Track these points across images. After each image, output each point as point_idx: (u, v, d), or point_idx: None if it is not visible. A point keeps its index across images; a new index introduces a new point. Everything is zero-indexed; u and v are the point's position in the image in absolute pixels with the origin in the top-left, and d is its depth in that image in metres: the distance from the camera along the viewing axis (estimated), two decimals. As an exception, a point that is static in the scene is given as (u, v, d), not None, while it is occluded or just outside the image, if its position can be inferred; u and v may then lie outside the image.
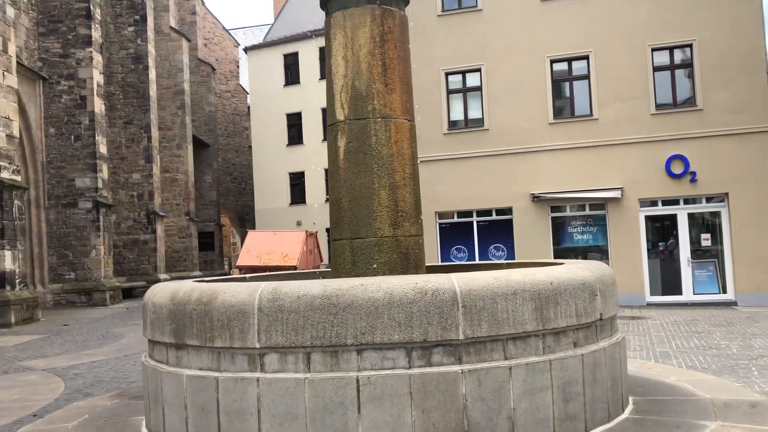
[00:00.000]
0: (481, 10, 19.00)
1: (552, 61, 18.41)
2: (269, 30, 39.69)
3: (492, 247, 18.96)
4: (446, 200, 19.04)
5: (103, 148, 20.95)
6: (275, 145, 34.53)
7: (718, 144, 17.06)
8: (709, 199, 17.45)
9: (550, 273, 4.61)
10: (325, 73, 31.56)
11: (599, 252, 18.19)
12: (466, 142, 19.00)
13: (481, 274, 4.42)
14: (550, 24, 18.37)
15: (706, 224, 17.66)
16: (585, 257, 18.30)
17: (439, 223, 19.35)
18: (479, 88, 19.01)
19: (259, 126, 35.27)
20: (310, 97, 33.31)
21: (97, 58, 20.72)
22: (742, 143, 16.92)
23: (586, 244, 18.37)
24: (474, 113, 19.22)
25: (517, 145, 18.45)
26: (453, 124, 19.30)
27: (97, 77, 20.64)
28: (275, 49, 35.06)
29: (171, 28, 31.48)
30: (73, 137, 20.19)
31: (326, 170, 32.81)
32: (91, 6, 20.42)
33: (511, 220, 18.67)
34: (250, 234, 21.17)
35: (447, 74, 19.24)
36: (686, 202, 17.58)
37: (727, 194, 17.11)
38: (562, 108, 18.60)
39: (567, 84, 18.58)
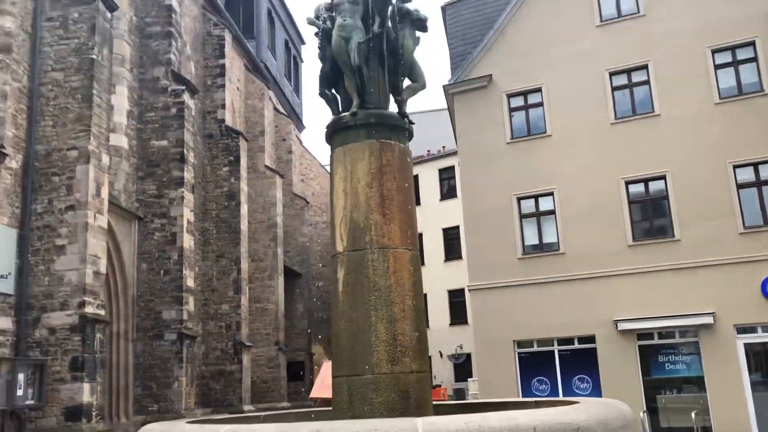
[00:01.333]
0: (550, 135, 19.03)
1: (627, 183, 17.91)
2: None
3: (576, 378, 17.79)
4: (524, 328, 18.26)
5: (190, 282, 21.89)
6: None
7: (820, 263, 15.65)
8: (817, 324, 15.78)
9: (536, 416, 4.17)
10: (442, 194, 32.06)
11: (695, 384, 16.64)
12: (542, 267, 18.43)
13: (452, 419, 4.06)
14: (622, 145, 18.06)
15: (816, 352, 15.89)
16: (680, 390, 16.83)
17: (518, 353, 18.47)
18: (553, 212, 18.66)
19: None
20: (430, 218, 33.85)
21: (188, 197, 22.16)
22: None
23: (678, 375, 16.89)
24: (549, 237, 18.77)
25: (596, 269, 17.67)
26: (527, 249, 18.86)
27: (188, 215, 21.97)
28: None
29: (266, 166, 33.44)
30: (162, 272, 21.26)
31: (450, 292, 32.62)
32: (185, 150, 22.13)
33: (594, 349, 17.55)
34: (325, 365, 20.96)
35: (519, 199, 19.08)
36: (791, 327, 15.98)
37: (837, 318, 15.44)
38: (642, 230, 17.84)
39: (645, 205, 17.92)
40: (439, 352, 32.71)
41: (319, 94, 6.42)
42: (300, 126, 46.54)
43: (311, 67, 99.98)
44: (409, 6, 6.37)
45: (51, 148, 16.48)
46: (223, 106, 28.50)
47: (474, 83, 20.01)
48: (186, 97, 22.62)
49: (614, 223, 17.77)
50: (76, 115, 16.57)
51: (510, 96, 19.76)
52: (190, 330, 21.57)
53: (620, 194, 17.88)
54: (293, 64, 46.36)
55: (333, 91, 6.42)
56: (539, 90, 19.39)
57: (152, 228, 21.67)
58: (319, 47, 6.38)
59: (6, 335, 15.19)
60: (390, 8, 6.22)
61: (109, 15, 18.04)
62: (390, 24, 6.26)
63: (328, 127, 6.24)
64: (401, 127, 6.11)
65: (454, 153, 30.41)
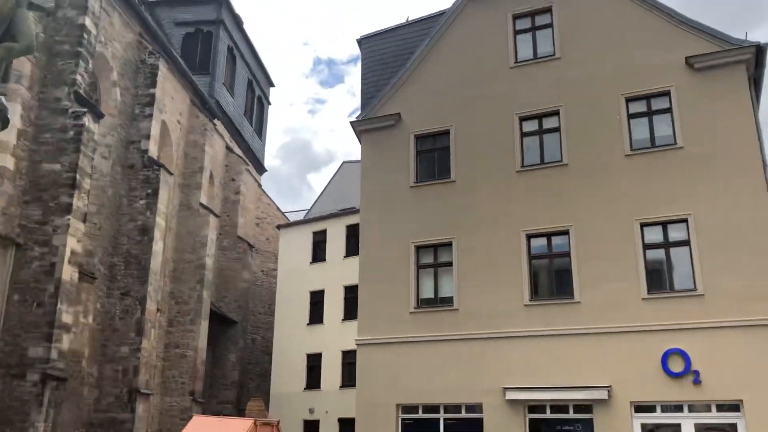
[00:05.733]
0: (454, 181, 17.52)
1: (529, 236, 16.30)
2: (309, 209, 39.97)
3: (460, 452, 15.78)
4: (411, 391, 16.34)
5: (66, 317, 20.04)
6: (296, 325, 32.99)
7: (726, 337, 13.86)
8: (720, 407, 13.86)
9: None
10: (350, 251, 29.94)
11: (586, 467, 14.62)
12: (435, 323, 16.66)
13: None
14: (527, 195, 16.53)
15: (720, 439, 13.92)
16: (571, 473, 14.77)
17: (402, 419, 16.49)
18: (450, 264, 16.98)
19: (283, 304, 34.12)
20: (333, 274, 32.12)
21: (76, 226, 20.53)
22: (756, 337, 13.64)
23: (569, 456, 14.88)
24: (445, 291, 17.03)
25: (488, 330, 15.90)
26: (422, 303, 17.10)
27: (73, 245, 20.30)
28: (305, 227, 34.79)
29: (200, 204, 31.92)
30: (35, 304, 19.48)
31: (344, 352, 30.61)
32: (79, 176, 20.66)
33: (481, 420, 15.59)
34: (195, 419, 18.87)
35: (417, 248, 17.43)
36: (692, 409, 14.07)
37: (741, 401, 13.53)
38: (541, 289, 16.12)
39: (546, 262, 16.25)
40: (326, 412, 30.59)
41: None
42: (260, 168, 45.30)
43: (280, 110, 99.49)
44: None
45: None
46: (149, 137, 27.16)
47: (382, 121, 18.65)
48: (88, 120, 21.26)
49: (513, 280, 16.07)
50: None
51: (418, 137, 18.35)
52: (58, 371, 19.60)
53: (521, 248, 16.23)
54: (257, 105, 45.42)
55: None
56: (447, 132, 17.99)
57: (30, 256, 19.94)
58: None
59: None
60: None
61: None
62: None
63: None
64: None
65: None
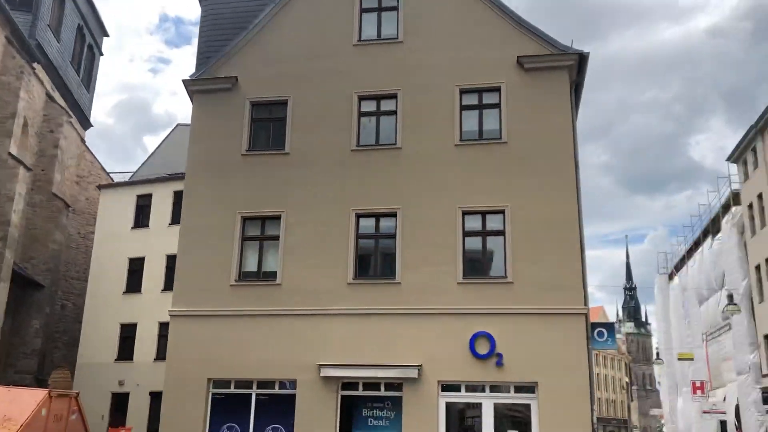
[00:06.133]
0: (288, 153, 17.12)
1: (358, 215, 16.33)
2: (135, 171, 37.64)
3: (270, 428, 15.54)
4: (223, 365, 15.82)
5: None
6: (111, 293, 30.94)
7: (527, 324, 14.79)
8: (518, 389, 14.80)
9: None
10: (175, 218, 28.27)
11: (392, 444, 15.00)
12: (256, 297, 16.23)
13: None
14: (360, 174, 16.54)
15: (514, 419, 14.85)
16: (377, 450, 15.08)
17: (213, 393, 15.94)
18: (277, 238, 16.60)
19: (98, 270, 31.86)
20: (155, 242, 30.47)
21: None
22: (553, 325, 14.69)
23: (378, 432, 15.18)
24: (269, 265, 16.64)
25: (310, 306, 15.77)
26: (243, 276, 16.58)
27: None
28: (129, 190, 32.68)
29: (9, 154, 28.84)
30: None
31: (161, 324, 29.16)
32: None
33: (294, 396, 15.45)
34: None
35: (244, 219, 16.87)
36: (493, 389, 14.88)
37: (536, 384, 14.53)
38: (366, 268, 16.24)
39: (373, 242, 16.38)
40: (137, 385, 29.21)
41: None
42: (85, 123, 41.83)
43: (115, 61, 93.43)
44: None
45: None
46: (-52, 72, 24.00)
47: (217, 83, 17.78)
48: None
49: (339, 258, 16.03)
50: None
51: (254, 104, 17.71)
52: None
53: (349, 227, 16.23)
54: (87, 54, 41.80)
55: None
56: (285, 102, 17.53)
57: None
58: None
59: None
60: None
61: None
62: None
63: None
64: None
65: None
